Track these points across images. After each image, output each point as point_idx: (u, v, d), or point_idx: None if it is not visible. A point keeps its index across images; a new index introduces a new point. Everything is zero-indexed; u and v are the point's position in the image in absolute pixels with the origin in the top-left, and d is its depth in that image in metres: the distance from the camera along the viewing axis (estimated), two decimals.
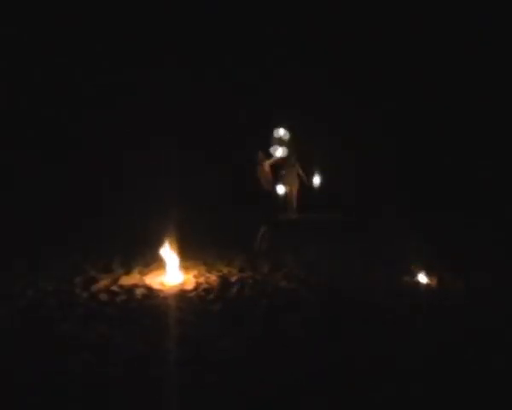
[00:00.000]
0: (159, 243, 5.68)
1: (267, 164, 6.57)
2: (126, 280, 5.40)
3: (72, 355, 3.56)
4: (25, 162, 8.45)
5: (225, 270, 5.86)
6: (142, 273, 5.66)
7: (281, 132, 6.61)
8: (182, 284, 5.28)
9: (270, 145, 6.65)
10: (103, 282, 5.31)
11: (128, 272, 5.69)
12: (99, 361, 3.49)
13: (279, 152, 6.53)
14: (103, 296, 4.88)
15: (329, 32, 9.62)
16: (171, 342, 3.85)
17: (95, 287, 5.14)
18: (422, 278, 5.38)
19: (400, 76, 9.53)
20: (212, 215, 7.80)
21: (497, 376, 3.36)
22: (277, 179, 6.86)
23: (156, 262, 5.86)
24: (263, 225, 6.38)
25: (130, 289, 5.07)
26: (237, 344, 3.78)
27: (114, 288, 5.14)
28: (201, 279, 5.47)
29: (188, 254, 6.01)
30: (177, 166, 8.03)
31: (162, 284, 5.31)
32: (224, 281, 5.41)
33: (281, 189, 6.81)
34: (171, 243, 5.62)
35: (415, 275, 5.43)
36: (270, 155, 6.67)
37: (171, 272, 5.51)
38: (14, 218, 7.25)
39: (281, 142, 6.64)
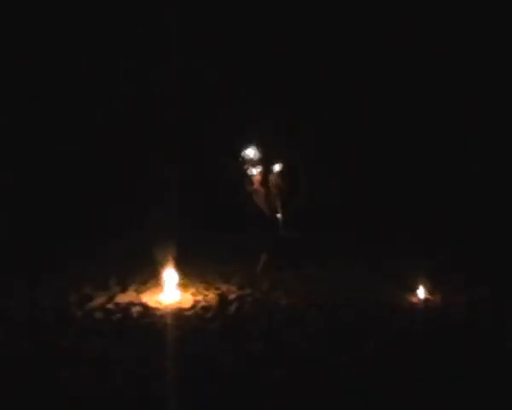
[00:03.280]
0: (156, 261, 5.81)
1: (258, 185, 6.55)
2: (122, 298, 5.46)
3: (67, 374, 3.65)
4: (24, 176, 8.58)
5: (224, 287, 5.94)
6: (139, 291, 5.72)
7: (250, 153, 6.52)
8: (179, 303, 5.33)
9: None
10: (99, 300, 5.39)
11: (124, 290, 5.77)
12: (95, 380, 3.57)
13: (253, 172, 6.49)
14: (99, 314, 4.97)
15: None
16: (168, 360, 3.93)
17: (90, 305, 5.23)
18: (423, 293, 5.48)
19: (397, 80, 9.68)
20: (210, 231, 7.90)
21: (499, 390, 3.47)
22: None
23: (153, 280, 5.93)
24: (264, 251, 6.47)
25: (126, 308, 5.15)
26: (237, 363, 3.88)
27: (110, 306, 5.22)
28: (199, 297, 5.54)
29: (185, 272, 6.09)
30: (177, 181, 8.13)
31: (159, 302, 5.35)
32: (223, 299, 5.50)
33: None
34: (168, 261, 5.73)
35: (416, 290, 5.53)
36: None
37: (169, 290, 5.56)
38: (10, 233, 7.36)
39: (253, 163, 6.57)
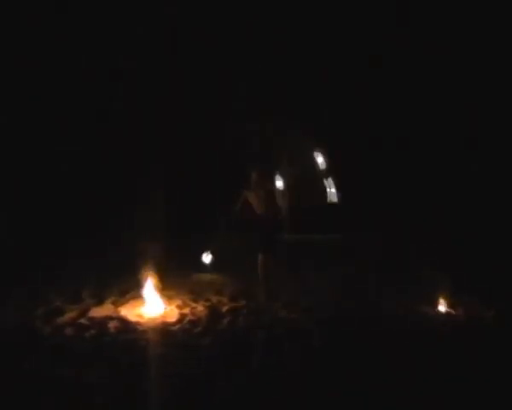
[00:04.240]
0: (137, 268, 5.51)
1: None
2: (97, 311, 5.21)
3: (32, 405, 3.31)
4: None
5: (214, 299, 5.70)
6: (117, 303, 5.48)
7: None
8: (163, 316, 5.15)
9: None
10: (70, 314, 5.09)
11: (100, 302, 5.50)
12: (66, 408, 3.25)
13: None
14: (70, 331, 4.63)
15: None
16: (151, 383, 3.63)
17: (60, 320, 4.90)
18: (443, 307, 5.19)
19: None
20: (198, 237, 7.65)
21: None
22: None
23: (133, 290, 5.66)
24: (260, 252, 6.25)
25: (101, 322, 4.85)
26: (231, 384, 3.56)
27: (83, 321, 4.92)
28: (186, 310, 5.31)
29: (170, 281, 5.88)
30: (161, 187, 7.96)
31: (140, 315, 5.13)
32: (214, 312, 5.24)
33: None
34: (150, 269, 5.47)
35: (435, 303, 5.26)
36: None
37: (151, 302, 5.33)
38: None
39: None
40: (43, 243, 7.26)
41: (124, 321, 4.89)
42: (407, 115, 9.68)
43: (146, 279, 5.42)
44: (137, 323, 4.86)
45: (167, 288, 5.71)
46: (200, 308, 5.34)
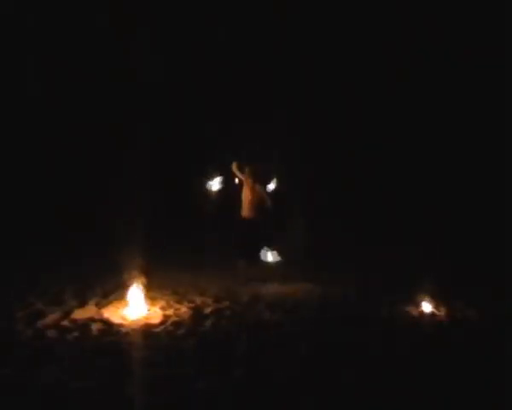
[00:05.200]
0: (120, 270, 5.50)
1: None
2: (80, 313, 5.16)
3: (14, 407, 3.30)
4: None
5: (198, 300, 5.70)
6: (100, 305, 5.45)
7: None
8: (147, 318, 5.12)
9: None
10: (52, 316, 5.03)
11: (82, 304, 5.46)
12: None
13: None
14: (52, 333, 4.59)
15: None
16: (135, 386, 3.62)
17: (41, 322, 4.86)
18: (427, 307, 5.28)
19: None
20: (184, 237, 7.67)
21: None
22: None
23: (116, 292, 5.66)
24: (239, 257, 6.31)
25: (84, 325, 4.84)
26: (213, 388, 3.59)
27: (65, 323, 4.89)
28: (170, 311, 5.30)
29: (154, 282, 5.85)
30: (147, 183, 7.95)
31: (123, 317, 5.11)
32: (197, 313, 5.24)
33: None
34: (134, 270, 5.45)
35: (418, 304, 5.33)
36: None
37: (134, 304, 5.31)
38: None
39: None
40: (23, 243, 7.21)
41: (107, 323, 4.86)
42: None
43: (130, 280, 5.37)
44: (121, 325, 4.84)
45: (151, 288, 5.65)
46: (183, 309, 5.34)
